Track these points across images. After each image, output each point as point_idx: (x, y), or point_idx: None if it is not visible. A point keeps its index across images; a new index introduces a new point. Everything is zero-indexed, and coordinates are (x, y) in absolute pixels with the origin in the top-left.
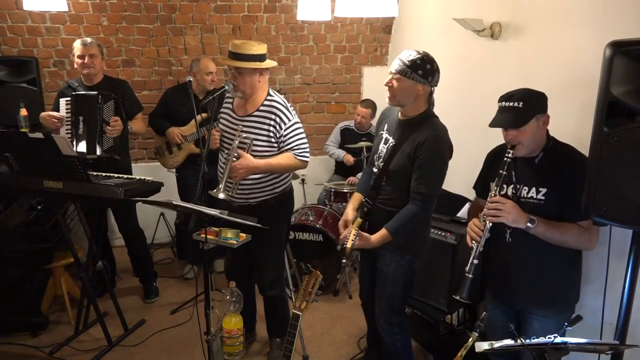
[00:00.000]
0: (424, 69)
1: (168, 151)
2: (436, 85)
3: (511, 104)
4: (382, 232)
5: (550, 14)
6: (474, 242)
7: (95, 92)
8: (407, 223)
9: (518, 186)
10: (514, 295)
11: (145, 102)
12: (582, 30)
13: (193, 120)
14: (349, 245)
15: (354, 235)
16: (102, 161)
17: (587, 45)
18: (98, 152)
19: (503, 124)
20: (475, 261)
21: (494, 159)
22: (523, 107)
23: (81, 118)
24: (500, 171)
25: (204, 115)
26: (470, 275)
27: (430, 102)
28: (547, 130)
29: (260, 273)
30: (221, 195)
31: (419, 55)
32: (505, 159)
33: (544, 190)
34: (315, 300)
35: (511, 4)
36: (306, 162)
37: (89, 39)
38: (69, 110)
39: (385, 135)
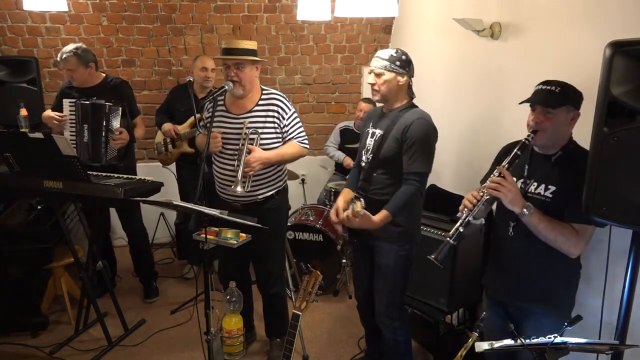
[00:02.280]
0: (400, 60)
1: (164, 148)
2: (413, 76)
3: (549, 87)
4: (383, 212)
5: (550, 14)
6: (465, 209)
7: (103, 102)
8: (406, 203)
9: (528, 181)
10: (511, 290)
11: (145, 102)
12: (582, 30)
13: (188, 120)
14: (359, 208)
15: (362, 203)
16: (105, 168)
17: (587, 45)
18: (102, 161)
19: (536, 101)
20: (461, 229)
21: (507, 152)
22: (559, 92)
23: (86, 126)
24: (516, 150)
25: (199, 115)
26: (451, 241)
27: (410, 94)
28: (571, 134)
29: (265, 269)
30: (239, 189)
31: (394, 50)
32: (524, 140)
33: (552, 188)
34: (315, 300)
35: (511, 4)
36: (308, 148)
37: (65, 52)
38: (73, 113)
39: (371, 130)
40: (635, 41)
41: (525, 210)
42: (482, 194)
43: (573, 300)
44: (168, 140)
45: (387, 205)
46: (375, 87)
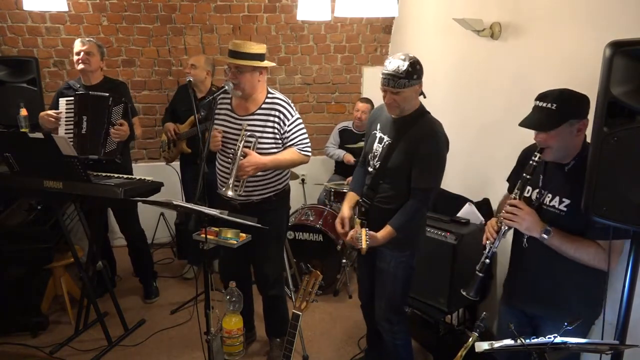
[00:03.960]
0: (416, 72)
1: (167, 146)
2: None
3: (544, 104)
4: (388, 229)
5: (550, 14)
6: (487, 241)
7: (107, 94)
8: (412, 219)
9: (543, 192)
10: (527, 302)
11: (146, 102)
12: (582, 30)
13: (188, 119)
14: (364, 246)
15: (366, 235)
16: (102, 162)
17: (587, 45)
18: (100, 153)
19: (530, 125)
20: (487, 261)
21: (526, 156)
22: (556, 110)
23: (85, 117)
24: (524, 174)
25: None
26: (480, 274)
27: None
28: (585, 137)
29: (263, 271)
30: (230, 193)
31: (408, 62)
32: (531, 162)
33: (567, 202)
34: (315, 300)
35: (511, 4)
36: (309, 156)
37: (87, 38)
38: (71, 110)
39: (379, 134)
40: (635, 41)
41: (544, 235)
42: (500, 224)
43: (598, 309)
44: (171, 138)
45: (392, 221)
46: (395, 105)
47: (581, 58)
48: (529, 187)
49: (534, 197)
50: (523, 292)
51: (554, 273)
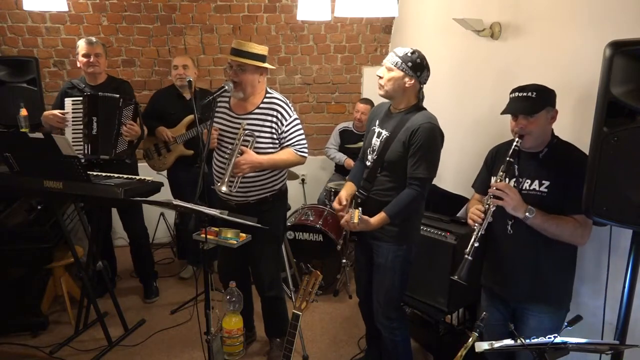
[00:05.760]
0: (413, 62)
1: (157, 153)
2: (425, 83)
3: (525, 94)
4: (382, 215)
5: (550, 14)
6: (475, 224)
7: (117, 95)
8: (406, 207)
9: (520, 179)
10: (510, 289)
11: (145, 102)
12: (582, 30)
13: (184, 121)
14: (356, 220)
15: (359, 213)
16: (112, 163)
17: (587, 45)
18: (112, 154)
19: (517, 110)
20: (476, 244)
21: (496, 155)
22: (536, 97)
23: (95, 118)
24: (508, 158)
25: (190, 117)
26: (469, 257)
27: (419, 97)
28: (552, 129)
29: (259, 273)
30: (223, 189)
31: (411, 50)
32: (513, 147)
33: (547, 183)
34: (315, 300)
35: (511, 4)
36: (305, 157)
37: (93, 38)
38: (79, 110)
39: (377, 129)
40: (635, 41)
41: (527, 214)
42: (487, 206)
43: (571, 292)
44: (161, 144)
45: (387, 208)
46: (381, 82)
47: (581, 58)
48: (506, 178)
49: (511, 184)
50: (507, 280)
51: (537, 258)
